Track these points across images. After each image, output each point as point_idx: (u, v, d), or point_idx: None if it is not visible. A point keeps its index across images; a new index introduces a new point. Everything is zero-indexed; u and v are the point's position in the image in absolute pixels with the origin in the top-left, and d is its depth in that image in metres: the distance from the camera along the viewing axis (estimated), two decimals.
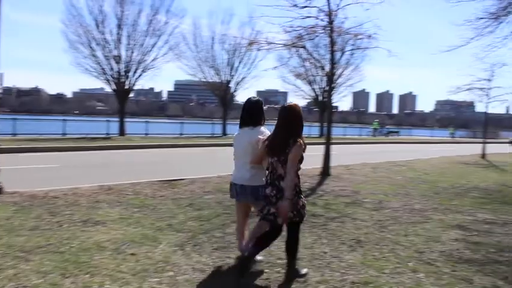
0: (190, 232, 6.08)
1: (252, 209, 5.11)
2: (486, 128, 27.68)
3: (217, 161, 17.05)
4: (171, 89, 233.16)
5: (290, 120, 4.43)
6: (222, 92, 36.90)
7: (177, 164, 15.36)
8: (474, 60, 25.80)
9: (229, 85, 37.12)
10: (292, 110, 4.48)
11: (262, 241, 4.58)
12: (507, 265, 5.28)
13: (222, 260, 5.01)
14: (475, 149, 25.39)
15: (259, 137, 4.65)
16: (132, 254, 5.04)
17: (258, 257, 4.83)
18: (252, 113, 4.82)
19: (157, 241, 5.60)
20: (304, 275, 4.57)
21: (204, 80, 36.53)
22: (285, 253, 4.68)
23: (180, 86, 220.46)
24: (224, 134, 36.19)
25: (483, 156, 22.29)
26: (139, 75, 30.40)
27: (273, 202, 4.37)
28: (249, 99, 4.95)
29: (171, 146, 22.97)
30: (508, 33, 11.97)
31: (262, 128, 4.79)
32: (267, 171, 4.55)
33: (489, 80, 22.22)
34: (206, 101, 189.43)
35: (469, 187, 11.55)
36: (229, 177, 10.18)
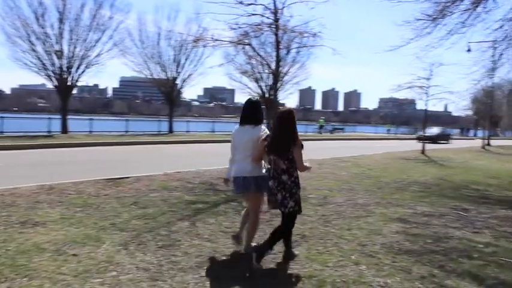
0: (134, 231, 6.00)
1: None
2: (425, 124, 28.68)
3: (163, 158, 16.87)
4: (116, 85, 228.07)
5: (287, 118, 5.00)
6: (169, 89, 36.42)
7: (122, 162, 15.06)
8: (414, 59, 26.72)
9: (176, 82, 36.67)
10: (287, 111, 5.10)
11: (283, 235, 5.24)
12: (443, 254, 5.53)
13: (167, 258, 4.97)
14: (416, 145, 26.31)
15: (261, 134, 5.13)
16: (74, 255, 4.92)
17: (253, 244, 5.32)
18: (252, 112, 5.29)
19: (100, 241, 5.49)
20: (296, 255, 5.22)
21: (150, 76, 35.85)
22: (284, 243, 5.29)
23: (125, 83, 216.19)
24: (171, 131, 35.76)
25: (423, 151, 23.12)
26: (83, 71, 29.53)
27: (274, 193, 4.99)
28: (249, 100, 5.45)
29: (116, 143, 22.49)
30: (444, 34, 12.44)
31: (263, 127, 5.26)
32: (269, 166, 5.10)
33: (428, 79, 23.07)
34: (152, 98, 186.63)
35: (410, 181, 11.97)
36: (176, 175, 10.03)
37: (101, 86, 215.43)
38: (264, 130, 5.22)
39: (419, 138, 37.77)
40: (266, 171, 5.20)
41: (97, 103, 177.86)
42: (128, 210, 7.16)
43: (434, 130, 41.53)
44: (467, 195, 10.37)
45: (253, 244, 5.30)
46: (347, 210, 7.86)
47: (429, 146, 24.64)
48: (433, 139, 37.72)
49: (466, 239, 6.37)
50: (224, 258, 5.08)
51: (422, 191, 10.57)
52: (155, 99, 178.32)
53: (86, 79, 73.56)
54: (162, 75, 35.78)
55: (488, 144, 36.09)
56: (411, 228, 6.83)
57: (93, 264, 4.65)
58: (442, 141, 40.25)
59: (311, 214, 7.41)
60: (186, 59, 35.52)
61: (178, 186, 9.44)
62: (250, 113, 5.29)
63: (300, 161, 4.95)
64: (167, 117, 38.03)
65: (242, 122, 5.31)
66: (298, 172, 5.07)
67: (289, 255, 5.18)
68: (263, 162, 5.26)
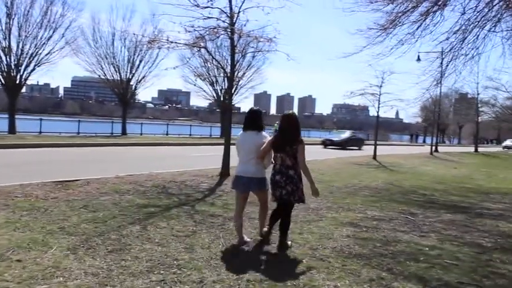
0: (83, 235, 5.85)
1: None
2: (377, 131, 29.38)
3: (116, 161, 16.55)
4: (68, 85, 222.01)
5: (291, 122, 5.85)
6: (122, 90, 35.79)
7: (73, 164, 14.68)
8: (367, 67, 27.32)
9: (130, 83, 36.11)
10: (291, 116, 5.94)
11: (273, 216, 6.07)
12: (391, 258, 5.68)
13: (117, 263, 4.87)
14: (368, 150, 26.89)
15: (264, 140, 5.83)
16: (18, 261, 4.74)
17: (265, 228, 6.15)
18: (254, 119, 6.00)
19: (47, 245, 5.32)
20: (290, 246, 5.86)
21: (104, 77, 35.13)
22: (280, 232, 5.93)
23: (77, 83, 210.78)
24: (124, 133, 35.16)
25: (374, 157, 23.66)
26: (33, 70, 28.69)
27: (282, 186, 5.73)
28: (251, 108, 6.22)
29: (67, 145, 21.93)
30: (395, 43, 12.80)
31: (264, 133, 5.99)
32: (275, 163, 5.85)
33: (380, 86, 23.65)
34: (106, 99, 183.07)
35: (361, 186, 12.23)
36: (129, 177, 9.90)
37: (53, 85, 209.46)
38: (266, 137, 5.93)
39: (324, 144, 36.75)
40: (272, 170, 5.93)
41: (48, 103, 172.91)
42: (77, 214, 6.98)
43: (345, 134, 39.05)
44: (415, 200, 10.68)
45: (264, 229, 6.13)
46: (299, 214, 7.93)
47: (380, 152, 25.18)
48: (342, 145, 35.76)
49: (413, 243, 6.56)
50: (175, 262, 5.02)
51: (372, 195, 10.81)
52: (108, 100, 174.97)
53: (36, 77, 71.28)
54: (116, 76, 35.15)
55: (436, 151, 37.29)
56: (361, 232, 6.98)
57: (38, 270, 4.50)
58: (352, 147, 36.37)
59: None
60: (140, 61, 35.05)
61: (130, 190, 9.29)
62: (252, 120, 5.98)
63: (304, 156, 5.71)
64: (121, 119, 37.36)
65: (245, 128, 6.02)
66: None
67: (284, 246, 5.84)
68: (265, 162, 5.88)
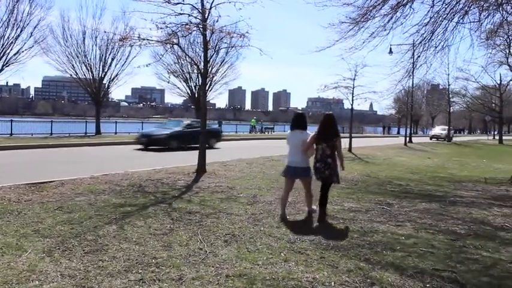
0: (59, 237, 5.77)
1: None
2: (351, 123, 29.64)
3: (90, 161, 16.32)
4: (39, 85, 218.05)
5: (330, 121, 7.41)
6: (95, 89, 35.21)
7: (46, 166, 14.42)
8: (340, 60, 27.50)
9: (103, 82, 35.56)
10: (331, 116, 7.54)
11: (323, 198, 7.36)
12: (368, 248, 5.75)
13: (94, 264, 4.81)
14: (343, 143, 27.07)
15: (307, 137, 7.38)
16: None
17: (314, 207, 7.68)
18: (299, 121, 7.66)
19: (21, 249, 5.23)
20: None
21: (75, 76, 34.45)
22: (319, 206, 7.35)
23: (49, 83, 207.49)
24: (98, 133, 34.65)
25: (350, 149, 23.83)
26: (1, 70, 27.92)
27: (322, 171, 7.24)
28: (297, 113, 8.07)
29: (39, 146, 21.53)
30: (367, 37, 12.93)
31: (308, 131, 7.53)
32: (317, 153, 7.34)
33: (353, 79, 23.83)
34: (78, 98, 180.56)
35: None
36: (104, 177, 9.83)
37: (23, 86, 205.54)
38: (309, 134, 7.41)
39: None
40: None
41: (18, 103, 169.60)
42: (52, 216, 6.87)
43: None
44: (390, 190, 10.83)
45: (314, 207, 7.66)
46: (276, 208, 7.95)
47: (355, 144, 25.43)
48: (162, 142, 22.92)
49: (390, 232, 6.65)
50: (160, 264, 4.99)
51: (349, 187, 10.91)
52: (81, 100, 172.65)
53: (5, 78, 69.71)
54: (88, 75, 34.53)
55: (410, 142, 37.82)
56: (338, 224, 7.05)
57: (13, 275, 4.42)
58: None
59: (241, 213, 7.45)
60: (113, 59, 34.48)
61: (105, 189, 9.19)
62: (298, 122, 7.63)
63: (341, 148, 7.41)
64: (94, 119, 36.82)
65: (292, 128, 7.65)
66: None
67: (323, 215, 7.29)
68: (308, 154, 7.43)
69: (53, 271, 4.56)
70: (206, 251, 5.38)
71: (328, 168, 7.19)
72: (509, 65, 34.93)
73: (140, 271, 4.66)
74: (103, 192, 8.86)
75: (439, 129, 57.39)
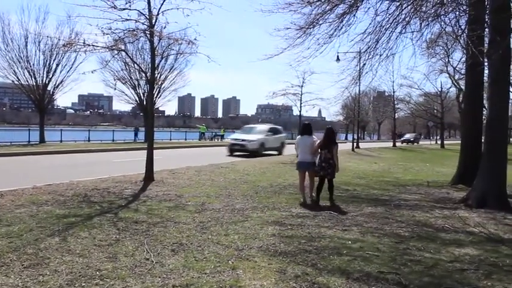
0: None
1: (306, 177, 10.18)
2: (300, 130, 29.93)
3: (33, 170, 15.75)
4: None
5: (331, 133, 9.95)
6: (39, 96, 34.01)
7: None
8: (288, 68, 27.87)
9: (47, 88, 34.42)
10: (331, 129, 10.08)
11: (318, 189, 9.79)
12: (315, 253, 5.81)
13: (34, 279, 4.61)
14: (292, 149, 27.28)
15: (314, 140, 10.01)
16: None
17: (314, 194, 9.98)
18: (306, 129, 10.24)
19: None
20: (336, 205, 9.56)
21: (17, 82, 33.16)
22: (329, 194, 9.88)
23: None
24: (42, 141, 33.49)
25: (298, 155, 24.02)
26: None
27: (325, 169, 9.66)
28: (304, 123, 10.62)
29: None
30: (313, 44, 13.13)
31: (314, 136, 10.15)
32: (321, 156, 9.76)
33: (301, 86, 24.19)
34: (22, 105, 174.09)
35: (286, 185, 12.43)
36: (47, 187, 9.48)
37: None
38: (315, 139, 10.05)
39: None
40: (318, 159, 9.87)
41: None
42: None
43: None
44: (338, 195, 10.97)
45: (314, 194, 9.96)
46: (225, 215, 7.94)
47: None
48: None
49: (337, 237, 6.75)
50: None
51: (297, 193, 10.97)
52: (25, 107, 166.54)
53: None
54: (31, 81, 33.29)
55: (357, 147, 38.65)
56: (286, 230, 7.08)
57: None
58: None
59: (189, 222, 7.37)
60: (57, 65, 33.43)
61: (48, 200, 8.87)
62: (306, 129, 10.25)
63: (336, 154, 9.77)
64: (38, 126, 35.55)
65: (302, 134, 10.36)
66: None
67: (333, 203, 9.73)
68: (315, 155, 9.95)
69: None
70: (153, 261, 5.28)
71: (329, 167, 9.65)
72: (448, 73, 36.43)
73: (83, 284, 4.52)
74: (46, 203, 8.54)
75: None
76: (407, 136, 74.16)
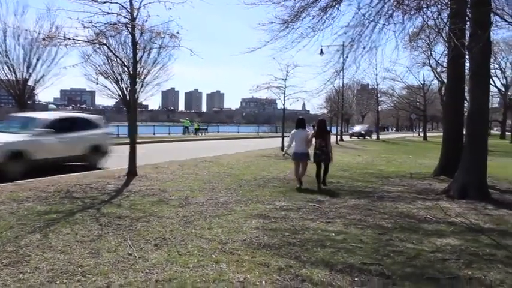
0: None
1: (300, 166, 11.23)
2: (284, 123, 29.92)
3: None
4: None
5: (323, 125, 11.47)
6: (19, 91, 33.44)
7: None
8: (271, 61, 27.77)
9: (27, 83, 33.84)
10: (323, 120, 11.94)
11: (317, 175, 11.11)
12: (299, 246, 5.83)
13: (14, 277, 4.54)
14: (277, 142, 27.31)
15: (308, 133, 11.33)
16: None
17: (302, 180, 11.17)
18: (301, 123, 11.44)
19: None
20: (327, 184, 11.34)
21: None
22: (322, 177, 11.29)
23: None
24: None
25: (283, 148, 24.02)
26: None
27: (320, 155, 11.05)
28: (299, 117, 11.77)
29: None
30: (296, 37, 13.11)
31: (307, 129, 11.71)
32: (315, 144, 11.17)
33: (284, 80, 24.13)
34: (1, 100, 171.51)
35: (269, 178, 12.45)
36: (28, 184, 9.39)
37: None
38: (308, 131, 11.56)
39: None
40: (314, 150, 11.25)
41: None
42: None
43: None
44: (321, 187, 11.04)
45: (302, 181, 11.07)
46: (208, 209, 7.92)
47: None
48: None
49: (320, 229, 6.78)
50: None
51: (281, 186, 11.05)
52: (5, 102, 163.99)
53: None
54: (11, 76, 32.67)
55: (341, 140, 38.84)
56: (270, 223, 7.09)
57: None
58: None
59: (172, 216, 7.34)
60: (38, 59, 32.85)
61: (30, 197, 8.75)
62: (300, 123, 11.44)
63: (329, 141, 11.29)
64: None
65: (296, 127, 11.42)
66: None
67: (320, 184, 11.13)
68: (309, 145, 11.26)
69: None
70: (136, 256, 5.24)
71: (323, 154, 11.10)
72: (431, 66, 36.83)
73: (65, 281, 4.47)
74: (26, 200, 8.43)
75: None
76: (356, 129, 59.65)
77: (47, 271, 4.71)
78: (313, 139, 11.28)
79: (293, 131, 11.44)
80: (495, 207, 8.88)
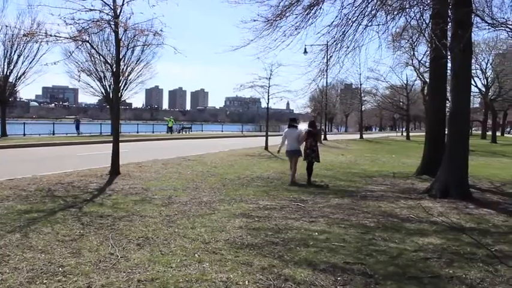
0: None
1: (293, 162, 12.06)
2: (268, 122, 29.98)
3: None
4: None
5: (314, 125, 12.80)
6: (0, 88, 33.05)
7: None
8: (255, 60, 27.78)
9: (8, 80, 33.43)
10: (314, 121, 13.73)
11: (309, 171, 11.98)
12: (282, 245, 5.82)
13: None
14: (260, 141, 27.35)
15: (301, 131, 12.10)
16: None
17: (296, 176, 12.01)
18: (294, 122, 12.40)
19: None
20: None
21: None
22: (307, 174, 11.96)
23: None
24: (4, 134, 32.61)
25: (266, 147, 24.10)
26: None
27: (310, 154, 11.99)
28: (291, 117, 13.39)
29: None
30: (280, 36, 13.11)
31: (300, 128, 12.37)
32: (306, 143, 12.02)
33: (268, 79, 24.15)
34: None
35: (253, 177, 12.44)
36: (9, 182, 9.30)
37: None
38: (301, 130, 12.17)
39: None
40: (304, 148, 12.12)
41: None
42: None
43: None
44: (305, 187, 11.07)
45: (294, 179, 11.76)
46: (192, 209, 7.89)
47: (272, 142, 25.79)
48: None
49: (303, 229, 6.78)
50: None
51: (265, 185, 11.05)
52: None
53: None
54: None
55: (325, 139, 38.98)
56: (253, 223, 7.08)
57: None
58: None
59: (155, 215, 7.30)
60: (19, 55, 32.51)
61: (10, 195, 8.64)
62: (293, 122, 12.30)
63: (318, 140, 12.39)
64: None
65: (289, 126, 12.27)
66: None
67: (310, 178, 11.97)
68: (301, 143, 12.15)
69: None
70: (118, 256, 5.19)
71: (313, 153, 11.96)
72: (413, 66, 37.03)
73: (45, 281, 4.40)
74: (6, 199, 8.32)
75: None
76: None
77: (26, 271, 4.64)
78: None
79: (285, 130, 12.29)
80: (476, 207, 8.98)
